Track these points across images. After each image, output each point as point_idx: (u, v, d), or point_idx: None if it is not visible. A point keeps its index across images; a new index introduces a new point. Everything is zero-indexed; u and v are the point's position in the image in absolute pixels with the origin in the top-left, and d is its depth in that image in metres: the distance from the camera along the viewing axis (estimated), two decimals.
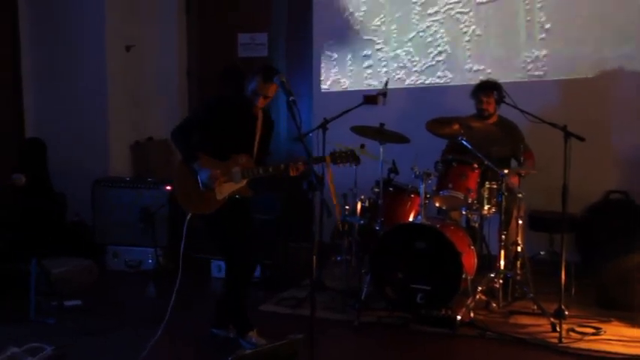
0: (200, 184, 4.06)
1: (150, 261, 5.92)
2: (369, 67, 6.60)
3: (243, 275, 4.22)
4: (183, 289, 4.74)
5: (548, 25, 6.02)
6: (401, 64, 6.49)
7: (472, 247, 4.85)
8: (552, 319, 4.39)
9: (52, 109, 6.87)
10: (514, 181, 4.94)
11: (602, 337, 4.30)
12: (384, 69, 6.54)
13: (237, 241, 4.15)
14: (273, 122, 4.43)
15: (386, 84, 5.61)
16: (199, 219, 4.17)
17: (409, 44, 6.46)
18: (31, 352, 3.82)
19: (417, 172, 4.80)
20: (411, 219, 5.05)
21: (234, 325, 4.27)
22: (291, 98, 3.60)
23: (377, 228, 4.97)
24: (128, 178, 6.40)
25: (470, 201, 4.80)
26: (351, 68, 6.67)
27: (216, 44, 7.29)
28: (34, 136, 6.69)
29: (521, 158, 5.05)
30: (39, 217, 6.06)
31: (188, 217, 4.10)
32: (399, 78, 6.49)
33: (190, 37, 7.35)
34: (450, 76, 6.36)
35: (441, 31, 6.35)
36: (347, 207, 5.26)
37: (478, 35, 6.24)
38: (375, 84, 6.49)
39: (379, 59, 6.57)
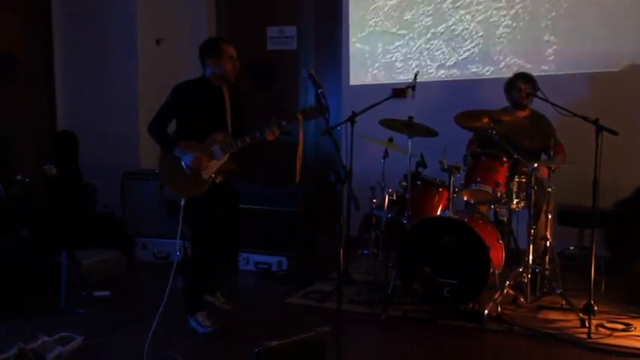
0: (185, 169, 4.25)
1: (178, 253, 5.95)
2: (398, 60, 6.56)
3: (212, 259, 4.50)
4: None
5: (578, 19, 5.94)
6: (431, 57, 6.45)
7: (500, 242, 4.81)
8: (581, 315, 4.35)
9: (83, 103, 6.95)
10: (544, 174, 4.89)
11: (632, 333, 4.25)
12: (414, 62, 6.50)
13: (216, 225, 4.40)
14: (237, 92, 4.63)
15: (415, 77, 5.59)
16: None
17: (439, 37, 6.42)
18: (62, 342, 3.88)
19: (446, 166, 4.78)
20: (438, 213, 5.03)
21: (186, 302, 4.44)
22: (319, 90, 3.60)
23: (404, 222, 4.95)
24: (157, 171, 6.43)
25: (498, 195, 4.77)
26: (381, 61, 6.64)
27: (246, 37, 7.30)
28: (65, 129, 6.77)
29: (552, 152, 5.00)
30: (69, 208, 6.13)
31: (182, 203, 4.26)
32: (428, 71, 6.46)
33: (220, 29, 7.37)
34: (480, 69, 6.30)
35: (472, 24, 6.30)
36: (374, 200, 5.26)
37: (509, 28, 6.17)
38: (405, 77, 6.46)
39: (409, 52, 6.53)
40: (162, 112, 4.40)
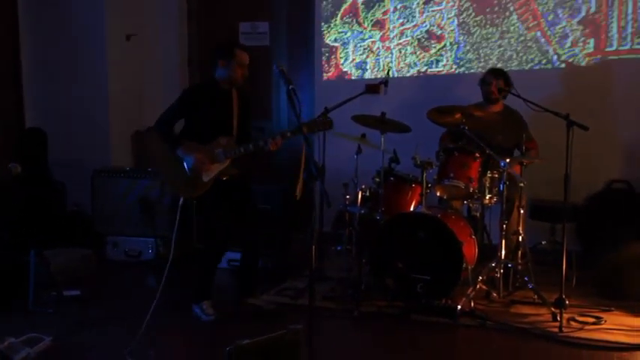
0: (187, 170, 4.32)
1: (150, 251, 5.90)
2: (371, 56, 6.56)
3: (219, 256, 4.66)
4: (188, 279, 4.78)
5: (549, 14, 5.98)
6: (403, 54, 6.45)
7: (473, 237, 4.82)
8: (553, 309, 4.38)
9: (52, 99, 6.84)
10: (516, 170, 4.91)
11: (603, 326, 4.29)
12: (387, 59, 6.50)
13: (220, 223, 4.44)
14: (249, 98, 4.64)
15: (387, 73, 5.57)
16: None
17: (411, 34, 6.42)
18: (29, 343, 3.82)
19: (418, 162, 4.78)
20: (411, 209, 5.03)
21: (193, 291, 4.57)
22: (290, 87, 3.58)
23: (377, 217, 4.95)
24: (128, 168, 6.38)
25: (471, 190, 4.78)
26: (353, 58, 6.63)
27: (218, 33, 7.25)
28: (34, 126, 6.66)
29: (524, 147, 5.03)
30: (38, 207, 6.04)
31: (181, 202, 4.35)
32: (400, 67, 6.46)
33: (191, 26, 7.30)
34: (452, 65, 6.32)
35: (443, 20, 6.31)
36: (347, 196, 5.25)
37: (480, 25, 6.19)
38: (377, 73, 6.46)
39: (381, 48, 6.53)
40: (170, 111, 4.44)
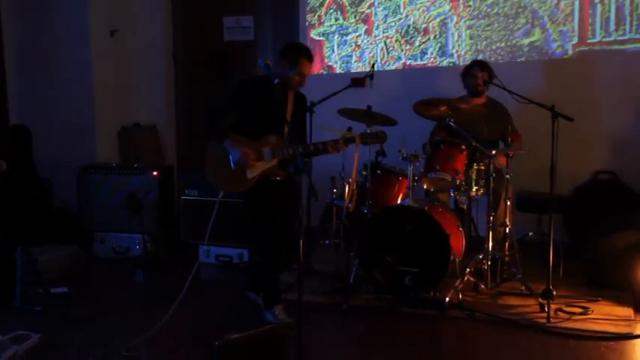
0: (231, 163, 4.14)
1: (137, 247, 5.88)
2: (356, 50, 6.56)
3: (273, 254, 4.30)
4: (175, 275, 4.76)
5: (534, 6, 5.99)
6: (388, 47, 6.46)
7: (460, 229, 4.84)
8: (540, 300, 4.40)
9: (37, 95, 6.79)
10: (502, 162, 4.93)
11: (590, 316, 4.32)
12: (372, 52, 6.50)
13: (265, 221, 4.22)
14: (304, 99, 4.49)
15: (373, 66, 5.56)
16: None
17: (397, 27, 6.42)
18: (17, 340, 3.79)
19: (405, 155, 4.78)
20: (399, 201, 5.03)
21: (264, 297, 4.36)
22: (276, 81, 3.58)
23: (365, 211, 4.95)
24: (114, 164, 6.36)
25: (458, 182, 4.79)
26: (339, 51, 6.63)
27: (202, 28, 7.22)
28: (18, 123, 6.61)
29: (509, 139, 5.04)
30: (24, 204, 6.00)
31: (220, 196, 4.24)
32: (386, 60, 6.46)
33: (175, 21, 7.27)
34: (437, 58, 6.33)
35: (429, 14, 6.32)
36: (335, 190, 5.24)
37: (465, 18, 6.20)
38: (363, 67, 6.46)
39: (367, 42, 6.53)
40: (223, 102, 4.30)
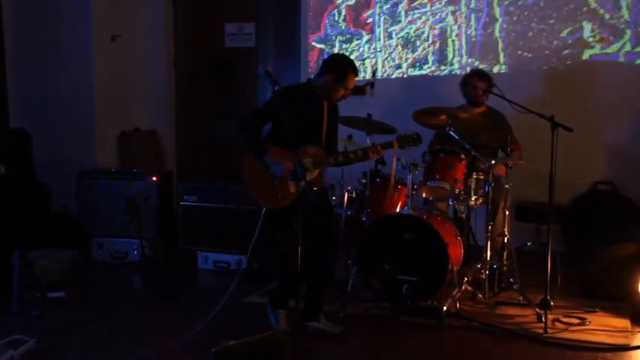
0: (273, 178, 4.05)
1: (135, 252, 5.87)
2: (357, 58, 6.57)
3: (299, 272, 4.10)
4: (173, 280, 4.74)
5: (532, 16, 6.01)
6: (389, 56, 6.47)
7: (459, 238, 4.84)
8: (538, 310, 4.40)
9: (37, 100, 6.79)
10: (501, 171, 4.94)
11: (587, 327, 4.31)
12: (373, 60, 6.52)
13: (307, 234, 4.02)
14: (337, 109, 4.40)
15: (373, 74, 5.58)
16: None
17: (398, 36, 6.44)
18: (14, 345, 3.79)
19: (404, 163, 4.78)
20: (397, 210, 5.04)
21: (271, 296, 4.37)
22: (276, 88, 3.59)
23: (364, 219, 4.95)
24: (114, 169, 6.36)
25: (457, 192, 4.79)
26: None
27: (203, 34, 7.24)
28: (18, 127, 6.62)
29: (508, 149, 5.05)
30: (23, 208, 6.00)
31: (264, 212, 4.10)
32: (387, 69, 6.48)
33: (177, 27, 7.29)
34: (438, 67, 6.34)
35: (429, 23, 6.34)
36: (334, 198, 5.25)
37: (465, 27, 6.22)
38: (364, 75, 6.47)
39: (368, 50, 6.55)
40: (260, 112, 4.20)
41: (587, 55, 5.92)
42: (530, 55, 6.06)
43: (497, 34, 6.13)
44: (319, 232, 4.13)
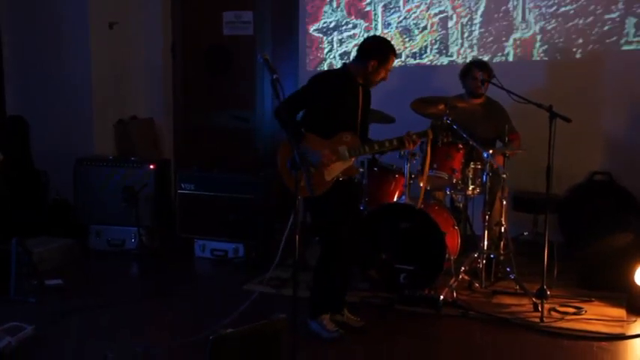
0: (309, 165, 3.89)
1: (133, 240, 5.88)
2: (355, 46, 6.55)
3: (344, 258, 4.09)
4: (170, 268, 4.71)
5: (533, 6, 6.00)
6: None
7: (456, 228, 4.85)
8: (534, 299, 4.41)
9: (34, 87, 6.77)
10: (498, 161, 4.94)
11: (583, 316, 4.34)
12: None
13: (342, 223, 4.01)
14: (370, 94, 4.30)
15: None
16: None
17: (396, 25, 6.42)
18: (11, 332, 3.79)
19: (402, 153, 4.78)
20: (395, 199, 5.04)
21: (311, 303, 4.15)
22: (274, 76, 3.56)
23: (361, 208, 4.95)
24: (111, 157, 6.35)
25: (454, 181, 4.80)
26: (338, 48, 6.62)
27: (201, 22, 7.21)
28: (16, 114, 6.60)
29: (507, 139, 5.05)
30: (20, 195, 5.99)
31: (298, 202, 4.00)
32: None
33: (175, 14, 7.25)
34: (437, 56, 6.33)
35: (428, 12, 6.31)
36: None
37: (465, 16, 6.20)
38: None
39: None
40: (297, 98, 4.07)
41: (589, 45, 5.90)
42: (530, 46, 6.04)
43: (497, 23, 6.11)
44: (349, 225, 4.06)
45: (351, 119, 4.10)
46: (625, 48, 5.79)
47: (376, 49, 4.09)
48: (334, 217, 4.02)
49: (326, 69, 6.52)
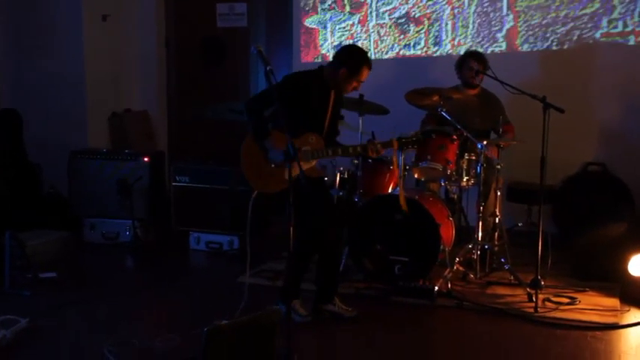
0: (270, 162, 4.04)
1: (127, 233, 5.87)
2: (349, 38, 6.54)
3: (323, 249, 4.17)
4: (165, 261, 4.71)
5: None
6: (381, 36, 6.44)
7: (450, 219, 4.85)
8: (529, 290, 4.43)
9: (27, 80, 6.76)
10: (493, 152, 4.94)
11: (577, 306, 4.35)
12: (365, 41, 6.49)
13: (304, 219, 4.02)
14: (342, 98, 4.36)
15: None
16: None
17: (390, 16, 6.41)
18: (6, 324, 3.79)
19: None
20: (389, 191, 5.04)
21: (282, 290, 4.26)
22: (268, 68, 3.56)
23: (356, 200, 4.96)
24: (105, 150, 6.33)
25: (448, 172, 4.80)
26: (332, 39, 6.61)
27: (195, 14, 7.19)
28: (9, 107, 6.58)
29: (501, 130, 5.05)
30: (14, 188, 5.98)
31: (254, 196, 4.06)
32: (379, 49, 6.45)
33: (168, 6, 7.23)
34: (431, 47, 6.32)
35: (422, 2, 6.30)
36: (325, 179, 5.24)
37: (459, 7, 6.19)
38: None
39: (360, 31, 6.51)
40: (267, 94, 4.07)
41: (582, 36, 5.90)
42: (524, 37, 6.04)
43: (491, 14, 6.11)
44: (321, 216, 4.09)
45: (318, 121, 4.14)
46: (618, 39, 5.80)
47: (348, 59, 4.12)
48: (307, 209, 4.03)
49: (318, 62, 6.51)
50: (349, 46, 4.58)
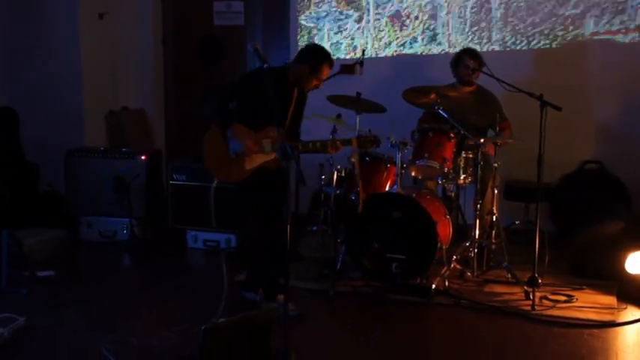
0: (231, 152, 4.15)
1: (124, 232, 5.86)
2: (346, 36, 6.54)
3: (266, 243, 4.28)
4: (163, 260, 4.70)
5: None
6: (379, 34, 6.44)
7: (447, 217, 4.85)
8: (526, 288, 4.43)
9: (24, 78, 6.74)
10: (490, 150, 4.95)
11: (575, 304, 4.36)
12: (362, 40, 6.48)
13: (259, 210, 4.24)
14: (306, 97, 4.46)
15: (363, 53, 5.54)
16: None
17: (387, 14, 6.40)
18: (3, 323, 3.79)
19: (394, 142, 4.78)
20: (387, 189, 5.04)
21: (246, 280, 4.45)
22: (265, 65, 3.57)
23: (353, 198, 4.96)
24: (102, 148, 6.33)
25: (446, 170, 4.80)
26: (329, 38, 6.60)
27: (192, 12, 7.17)
28: (5, 105, 6.56)
29: (498, 128, 5.05)
30: (10, 187, 5.97)
31: (214, 184, 4.19)
32: (376, 47, 6.45)
33: (165, 4, 7.22)
34: (428, 46, 6.32)
35: (419, 2, 6.30)
36: (323, 177, 5.25)
37: (456, 5, 6.19)
38: (353, 54, 6.45)
39: (357, 29, 6.51)
40: (232, 87, 4.25)
41: (579, 34, 5.91)
42: (521, 34, 6.04)
43: (488, 12, 6.10)
44: (272, 210, 4.24)
45: (281, 117, 4.18)
46: (614, 38, 5.80)
47: (309, 56, 4.27)
48: (250, 204, 4.28)
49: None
50: (311, 44, 4.76)
